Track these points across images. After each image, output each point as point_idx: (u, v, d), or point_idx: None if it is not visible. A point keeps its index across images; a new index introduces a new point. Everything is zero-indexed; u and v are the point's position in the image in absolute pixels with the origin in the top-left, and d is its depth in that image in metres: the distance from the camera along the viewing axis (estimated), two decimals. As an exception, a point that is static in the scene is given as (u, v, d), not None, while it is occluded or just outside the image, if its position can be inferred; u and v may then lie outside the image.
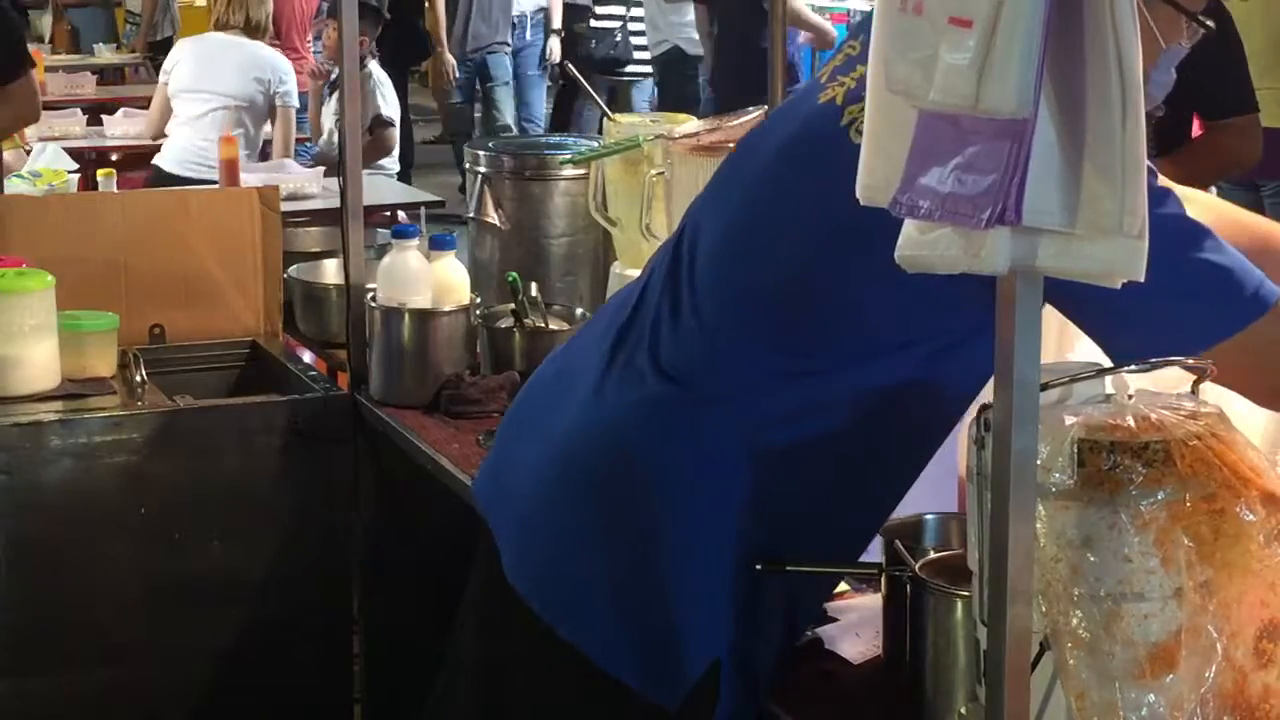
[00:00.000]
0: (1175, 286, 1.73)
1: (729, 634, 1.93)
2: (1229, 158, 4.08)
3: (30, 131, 6.35)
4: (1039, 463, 1.54)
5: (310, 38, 9.27)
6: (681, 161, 3.07)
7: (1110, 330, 1.83)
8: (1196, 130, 4.15)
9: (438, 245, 3.31)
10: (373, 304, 3.29)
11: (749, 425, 1.94)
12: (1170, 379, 1.77)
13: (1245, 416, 1.89)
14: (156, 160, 6.57)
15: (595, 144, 3.65)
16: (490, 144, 3.91)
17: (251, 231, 3.79)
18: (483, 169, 3.71)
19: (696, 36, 8.67)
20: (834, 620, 2.17)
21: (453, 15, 10.16)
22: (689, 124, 3.29)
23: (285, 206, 4.14)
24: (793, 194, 1.97)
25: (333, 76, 7.02)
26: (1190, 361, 1.74)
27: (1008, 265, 1.43)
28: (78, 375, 3.40)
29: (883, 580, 1.98)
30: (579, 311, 3.35)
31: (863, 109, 1.57)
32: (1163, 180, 1.83)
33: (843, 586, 2.23)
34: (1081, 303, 1.75)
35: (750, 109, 3.26)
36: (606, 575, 1.97)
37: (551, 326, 3.28)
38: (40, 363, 3.32)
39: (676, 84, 9.31)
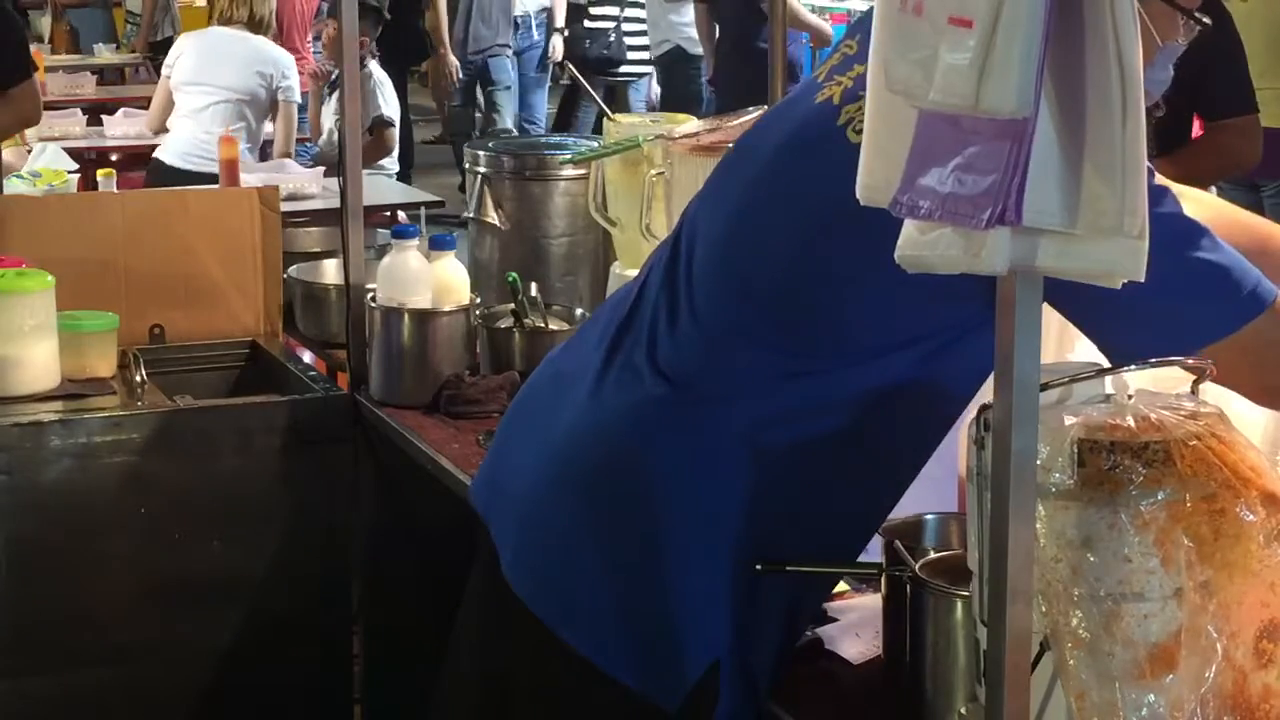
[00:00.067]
0: (1172, 285, 1.72)
1: (728, 634, 1.93)
2: (1229, 158, 4.09)
3: (30, 131, 6.36)
4: (1039, 463, 1.54)
5: (310, 38, 9.27)
6: (681, 161, 3.06)
7: (1107, 329, 1.83)
8: (1196, 130, 4.15)
9: (438, 245, 3.31)
10: (373, 304, 3.29)
11: (747, 425, 1.94)
12: (1170, 379, 1.77)
13: (1245, 416, 1.89)
14: (158, 153, 6.57)
15: (595, 144, 3.65)
16: (490, 144, 3.91)
17: (251, 231, 3.79)
18: (483, 169, 3.71)
19: (697, 36, 8.68)
20: (834, 620, 2.17)
21: (453, 16, 10.16)
22: (689, 124, 3.29)
23: (285, 206, 4.14)
24: (790, 193, 1.97)
25: (333, 76, 7.02)
26: (1190, 361, 1.74)
27: (1008, 265, 1.43)
28: (78, 375, 3.40)
29: (883, 580, 1.98)
30: (579, 311, 3.35)
31: (859, 108, 1.58)
32: (1160, 179, 1.83)
33: (843, 586, 2.23)
34: (1079, 302, 1.74)
35: (750, 109, 3.26)
36: (605, 576, 1.97)
37: (551, 326, 3.28)
38: (40, 363, 3.32)
39: (679, 83, 9.32)
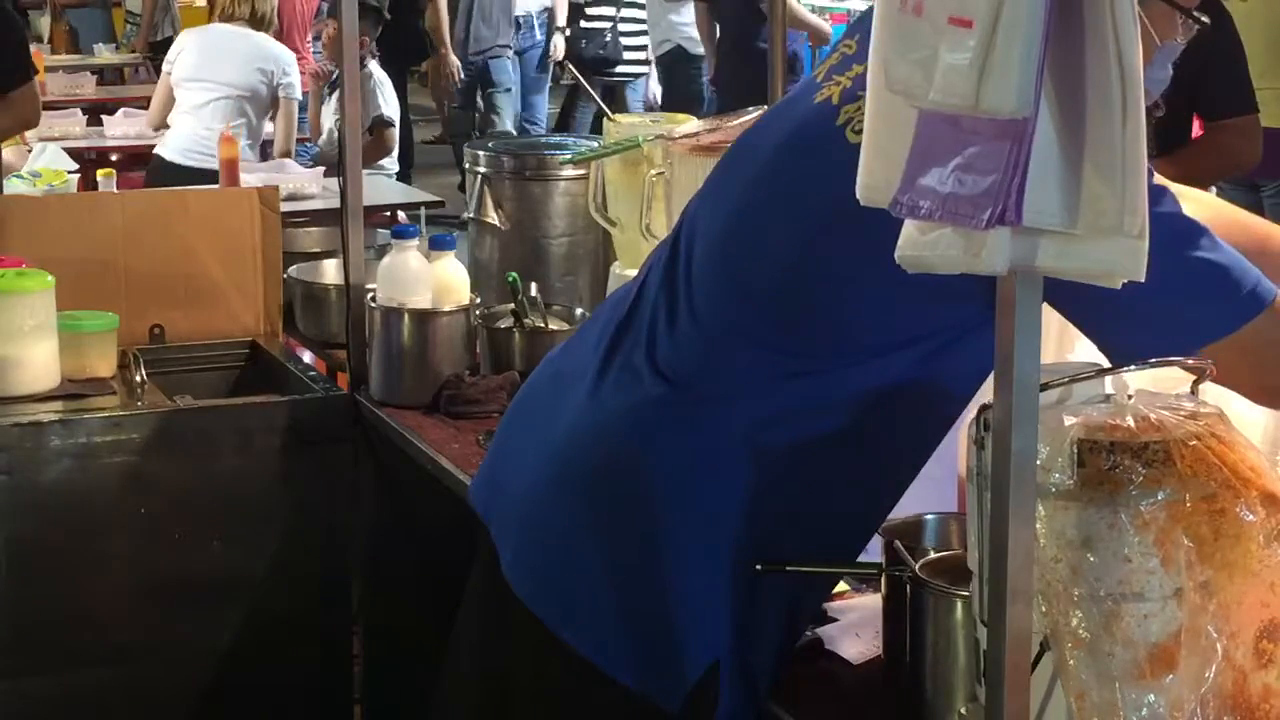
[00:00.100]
0: (1172, 285, 1.72)
1: (728, 634, 1.93)
2: (1229, 158, 4.09)
3: (30, 131, 6.36)
4: (1039, 463, 1.54)
5: (310, 38, 9.28)
6: (681, 161, 3.06)
7: (1107, 329, 1.83)
8: (1196, 130, 4.15)
9: (437, 245, 3.31)
10: (373, 304, 3.29)
11: (747, 425, 1.93)
12: (1170, 379, 1.77)
13: (1245, 416, 1.89)
14: (158, 149, 6.58)
15: (595, 144, 3.65)
16: (490, 144, 3.91)
17: (251, 231, 3.79)
18: (483, 169, 3.71)
19: (698, 36, 8.69)
20: (834, 620, 2.17)
21: (454, 16, 10.16)
22: (689, 124, 3.29)
23: (285, 206, 4.14)
24: (789, 193, 1.97)
25: (333, 76, 7.02)
26: (1190, 361, 1.74)
27: (1008, 265, 1.43)
28: (78, 375, 3.40)
29: (883, 580, 1.98)
30: (579, 311, 3.35)
31: (859, 108, 1.58)
32: (1159, 178, 1.83)
33: (843, 586, 2.23)
34: (1079, 302, 1.74)
35: (750, 109, 3.26)
36: (605, 576, 1.97)
37: (551, 326, 3.28)
38: (40, 363, 3.32)
39: (680, 83, 9.32)
